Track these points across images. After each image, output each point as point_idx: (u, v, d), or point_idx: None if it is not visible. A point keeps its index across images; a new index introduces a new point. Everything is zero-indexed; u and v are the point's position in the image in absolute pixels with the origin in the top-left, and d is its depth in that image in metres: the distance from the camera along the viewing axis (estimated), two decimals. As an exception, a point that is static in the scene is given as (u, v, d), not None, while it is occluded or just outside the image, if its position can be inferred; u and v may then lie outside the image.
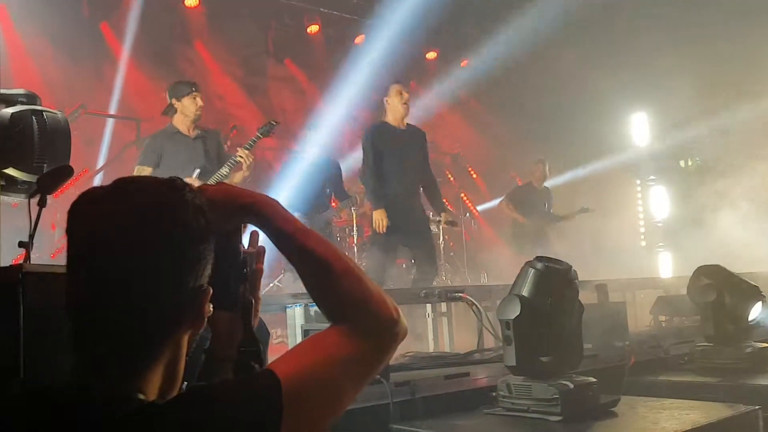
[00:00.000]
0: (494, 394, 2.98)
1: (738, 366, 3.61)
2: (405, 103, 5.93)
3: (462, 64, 11.83)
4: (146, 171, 5.35)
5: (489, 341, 4.30)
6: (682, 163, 10.44)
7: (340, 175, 7.12)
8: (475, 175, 11.87)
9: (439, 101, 11.58)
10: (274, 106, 10.04)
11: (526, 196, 9.21)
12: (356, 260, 7.92)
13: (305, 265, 1.15)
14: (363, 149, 5.95)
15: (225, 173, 5.35)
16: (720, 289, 3.81)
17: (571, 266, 2.93)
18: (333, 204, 7.20)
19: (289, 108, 10.23)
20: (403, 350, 4.15)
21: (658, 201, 10.19)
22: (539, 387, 2.81)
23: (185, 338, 1.04)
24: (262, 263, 1.30)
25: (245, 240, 1.30)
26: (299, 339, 3.52)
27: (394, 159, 5.89)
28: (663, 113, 10.00)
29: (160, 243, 0.99)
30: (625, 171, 10.10)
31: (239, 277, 1.22)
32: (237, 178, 5.40)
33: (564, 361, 2.93)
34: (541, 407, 2.77)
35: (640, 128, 10.58)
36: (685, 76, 8.32)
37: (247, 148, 5.43)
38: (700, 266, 4.02)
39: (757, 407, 2.76)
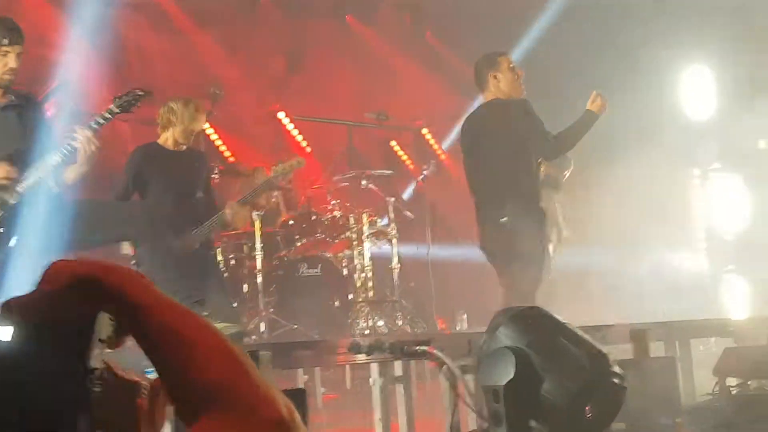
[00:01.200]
0: (476, 505, 2.98)
1: None
2: (521, 77, 6.80)
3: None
4: None
5: (469, 421, 4.30)
6: (762, 144, 10.67)
7: (210, 176, 7.09)
8: (445, 158, 11.93)
9: (390, 46, 11.62)
10: (130, 53, 9.92)
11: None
12: (264, 298, 7.86)
13: (157, 341, 1.18)
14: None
15: (45, 167, 5.19)
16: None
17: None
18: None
19: (154, 54, 10.10)
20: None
21: (726, 201, 10.38)
22: (545, 492, 2.83)
23: None
24: (148, 399, 1.29)
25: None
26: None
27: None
28: (734, 67, 10.19)
29: None
30: (675, 155, 10.24)
31: (70, 397, 1.16)
32: (67, 175, 5.31)
33: (583, 451, 2.95)
34: None
35: (699, 90, 10.76)
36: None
37: (93, 127, 5.29)
38: None
39: None
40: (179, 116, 6.56)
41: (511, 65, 6.85)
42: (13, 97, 5.45)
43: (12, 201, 5.27)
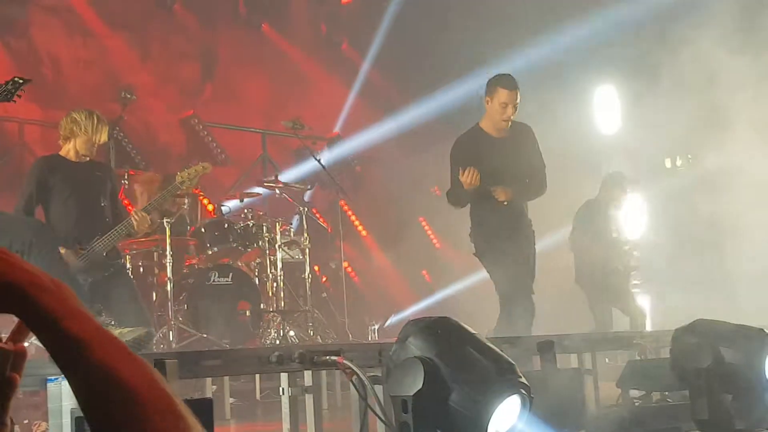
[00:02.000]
0: None
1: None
2: (506, 120, 6.91)
3: (342, 1, 12.01)
4: None
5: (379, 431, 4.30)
6: (668, 162, 10.92)
7: (116, 185, 6.98)
8: (360, 169, 11.96)
9: (306, 56, 11.62)
10: (40, 53, 9.72)
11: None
12: (174, 306, 7.74)
13: (98, 393, 1.13)
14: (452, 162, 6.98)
15: None
16: (716, 351, 3.99)
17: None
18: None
19: (66, 57, 9.93)
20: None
21: (631, 217, 10.59)
22: (451, 502, 2.84)
23: None
24: (20, 372, 1.25)
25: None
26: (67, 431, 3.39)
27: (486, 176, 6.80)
28: (640, 86, 10.41)
29: None
30: (583, 171, 10.42)
31: None
32: None
33: (490, 461, 2.98)
34: None
35: (606, 109, 10.97)
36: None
37: None
38: (684, 326, 4.18)
39: None
40: (82, 128, 6.40)
41: (503, 101, 6.86)
42: None
43: None
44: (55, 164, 6.45)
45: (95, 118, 6.45)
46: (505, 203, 6.90)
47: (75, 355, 1.12)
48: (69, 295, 1.17)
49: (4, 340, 1.24)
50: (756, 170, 8.35)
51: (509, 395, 2.92)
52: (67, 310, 1.15)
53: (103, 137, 6.60)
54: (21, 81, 5.42)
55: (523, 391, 2.97)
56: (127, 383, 1.12)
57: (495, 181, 6.86)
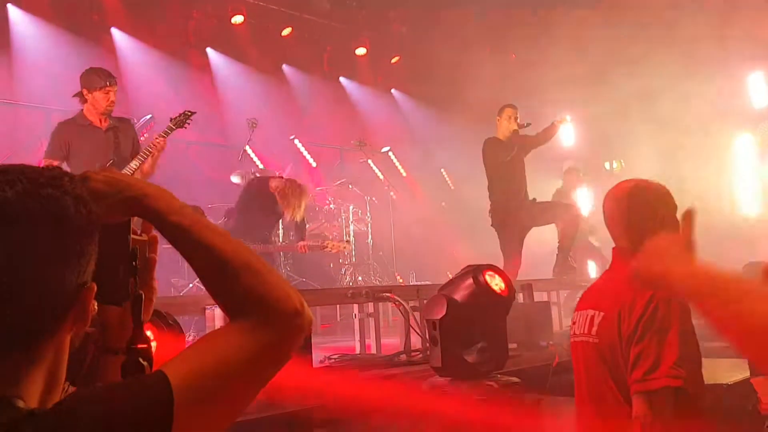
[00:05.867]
0: (420, 396, 3.00)
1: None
2: (511, 128, 6.60)
3: (393, 61, 11.95)
4: (55, 164, 5.05)
5: (416, 343, 4.33)
6: (607, 165, 10.74)
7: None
8: (405, 173, 11.91)
9: (368, 97, 11.64)
10: (197, 98, 9.82)
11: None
12: (284, 260, 7.81)
13: (200, 260, 1.10)
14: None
15: (135, 166, 5.08)
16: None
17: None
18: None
19: (214, 100, 10.01)
20: (328, 352, 4.14)
21: (583, 202, 10.45)
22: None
23: (68, 338, 0.99)
24: (156, 252, 1.23)
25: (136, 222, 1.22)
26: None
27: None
28: (588, 114, 10.24)
29: (37, 237, 0.93)
30: (550, 171, 10.28)
31: (128, 270, 1.15)
32: (146, 165, 5.10)
33: (489, 362, 2.99)
34: (465, 409, 2.81)
35: (565, 129, 10.83)
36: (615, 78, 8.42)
37: (163, 136, 5.17)
38: None
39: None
40: (288, 200, 6.73)
41: (510, 115, 6.60)
42: (112, 122, 5.31)
43: None
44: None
45: (300, 196, 6.76)
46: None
47: (181, 237, 1.10)
48: (171, 198, 1.13)
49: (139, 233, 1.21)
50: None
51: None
52: (171, 208, 1.11)
53: (300, 215, 6.84)
54: (190, 113, 5.47)
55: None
56: (216, 249, 1.08)
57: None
